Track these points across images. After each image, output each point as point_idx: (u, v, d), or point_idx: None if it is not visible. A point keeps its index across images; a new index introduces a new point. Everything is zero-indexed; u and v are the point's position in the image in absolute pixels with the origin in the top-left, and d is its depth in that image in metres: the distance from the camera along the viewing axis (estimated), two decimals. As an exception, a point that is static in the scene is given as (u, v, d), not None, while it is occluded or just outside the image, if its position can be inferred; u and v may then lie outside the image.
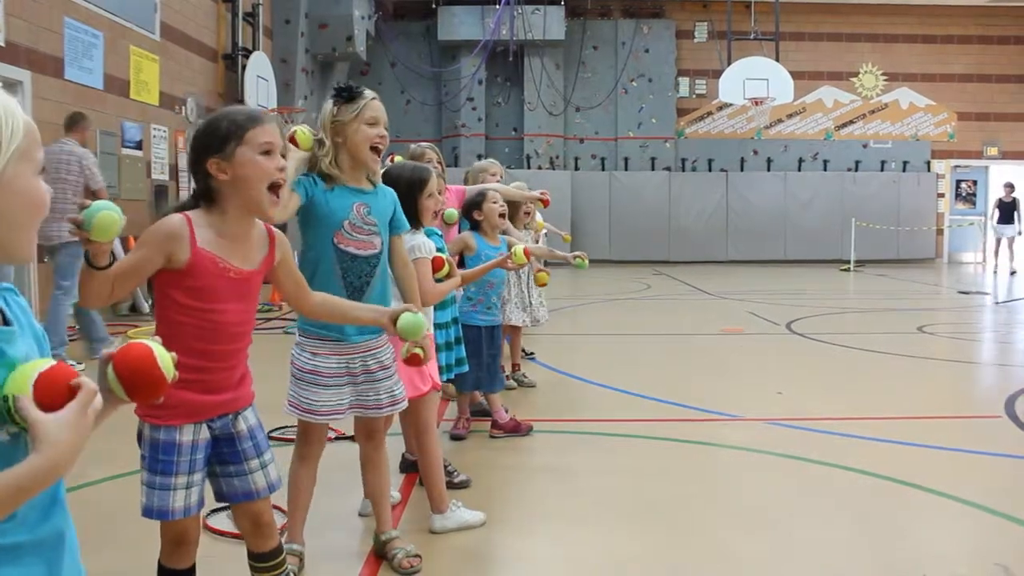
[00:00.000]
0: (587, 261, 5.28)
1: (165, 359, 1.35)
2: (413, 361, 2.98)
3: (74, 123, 7.43)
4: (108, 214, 1.89)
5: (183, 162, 11.75)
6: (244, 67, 13.97)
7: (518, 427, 4.89)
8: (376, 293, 2.96)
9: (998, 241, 17.76)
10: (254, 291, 2.29)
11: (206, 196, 2.22)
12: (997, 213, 17.69)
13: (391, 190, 3.14)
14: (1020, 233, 17.63)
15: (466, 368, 4.30)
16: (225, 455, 2.29)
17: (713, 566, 3.21)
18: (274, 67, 15.19)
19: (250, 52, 14.38)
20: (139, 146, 11.03)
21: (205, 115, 12.24)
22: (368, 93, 2.96)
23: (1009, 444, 4.78)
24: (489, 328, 4.68)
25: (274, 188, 2.21)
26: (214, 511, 3.42)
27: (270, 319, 9.55)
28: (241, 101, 13.82)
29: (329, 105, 2.96)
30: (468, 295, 4.60)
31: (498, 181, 5.58)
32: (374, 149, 2.94)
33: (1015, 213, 17.49)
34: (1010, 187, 17.70)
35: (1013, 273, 16.20)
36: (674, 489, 4.06)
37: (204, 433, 2.24)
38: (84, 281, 2.08)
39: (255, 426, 2.34)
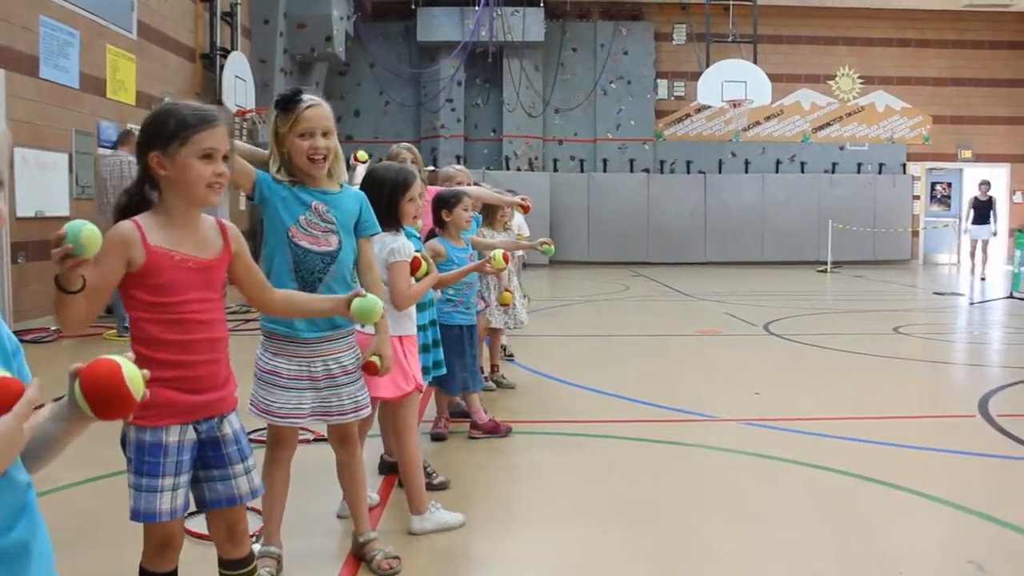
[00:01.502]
0: (553, 247, 5.26)
1: (134, 377, 1.30)
2: (369, 369, 2.97)
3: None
4: (93, 229, 1.86)
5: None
6: (222, 67, 13.89)
7: (497, 428, 4.90)
8: (327, 292, 2.89)
9: (973, 243, 17.21)
10: (217, 281, 2.28)
11: (149, 182, 2.22)
12: (972, 213, 17.09)
13: (360, 193, 3.11)
14: (995, 234, 17.16)
15: (443, 371, 4.29)
16: (210, 459, 2.28)
17: (691, 565, 3.23)
18: (252, 67, 15.11)
19: (228, 52, 14.30)
20: (115, 146, 10.94)
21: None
22: (304, 101, 2.84)
23: (983, 443, 4.83)
24: (469, 327, 4.68)
25: (212, 187, 2.20)
26: (191, 514, 3.40)
27: (248, 320, 9.49)
28: (219, 101, 13.76)
29: (274, 115, 2.91)
30: (448, 296, 4.60)
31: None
32: (311, 160, 2.85)
33: (991, 212, 16.94)
34: (986, 185, 17.25)
35: (983, 279, 16.08)
36: (652, 489, 4.08)
37: (190, 434, 2.23)
38: (60, 308, 2.04)
39: (239, 431, 2.33)
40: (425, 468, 3.81)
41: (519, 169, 20.02)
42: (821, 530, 3.55)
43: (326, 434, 3.25)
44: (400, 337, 3.40)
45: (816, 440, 4.85)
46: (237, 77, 14.16)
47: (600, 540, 3.45)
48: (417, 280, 3.44)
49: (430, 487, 3.77)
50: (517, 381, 6.35)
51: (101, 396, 1.28)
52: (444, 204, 4.48)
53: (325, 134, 2.86)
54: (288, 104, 2.86)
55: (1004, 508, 3.69)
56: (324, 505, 3.67)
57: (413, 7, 19.63)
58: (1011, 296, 12.29)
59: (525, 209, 5.58)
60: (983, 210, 16.85)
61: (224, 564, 2.42)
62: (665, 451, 4.72)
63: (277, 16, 16.12)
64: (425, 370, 4.03)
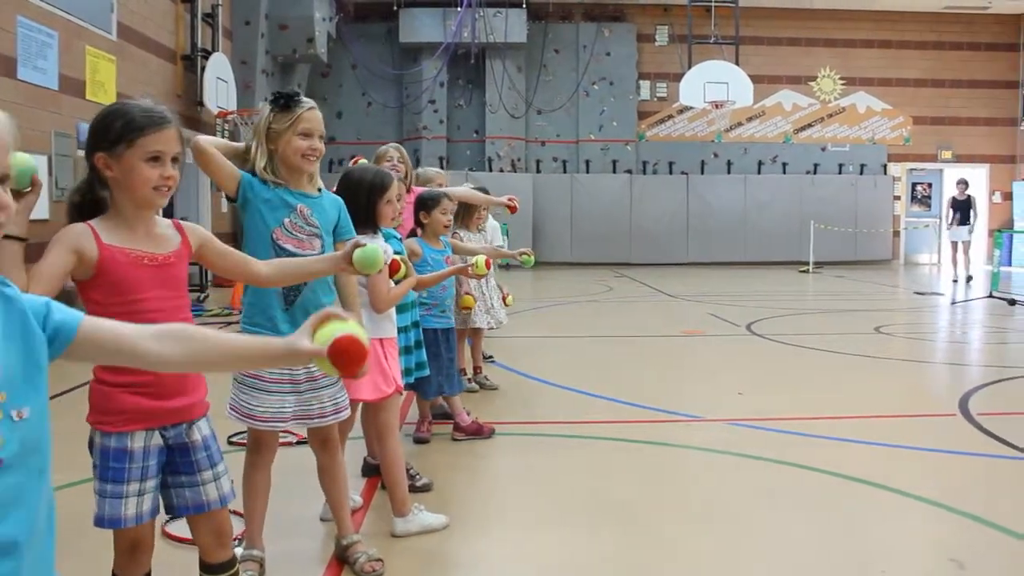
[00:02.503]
0: (533, 258, 5.24)
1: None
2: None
3: None
4: (21, 157, 1.85)
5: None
6: (203, 68, 13.83)
7: (480, 430, 4.89)
8: (308, 296, 2.89)
9: (954, 245, 16.71)
10: (177, 279, 2.24)
11: (99, 181, 2.18)
12: (951, 213, 16.60)
13: (337, 198, 3.11)
14: (971, 231, 16.54)
15: (427, 372, 4.28)
16: (178, 465, 2.26)
17: (675, 566, 3.23)
18: (234, 69, 15.05)
19: (209, 53, 14.24)
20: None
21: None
22: (305, 103, 2.92)
23: (963, 442, 4.86)
24: (444, 331, 4.67)
25: (158, 190, 2.16)
26: (173, 518, 3.38)
27: (230, 323, 9.45)
28: (200, 103, 13.69)
29: (266, 111, 2.93)
30: (423, 299, 4.59)
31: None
32: (305, 158, 2.91)
33: (970, 211, 16.37)
34: (964, 184, 16.74)
35: (970, 279, 15.60)
36: (636, 490, 4.08)
37: (156, 439, 2.21)
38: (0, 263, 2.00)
39: (209, 436, 2.31)
40: (408, 470, 3.80)
41: (502, 170, 20.02)
42: (804, 529, 3.56)
43: (307, 437, 3.23)
44: (380, 340, 3.39)
45: (799, 440, 4.87)
46: (218, 79, 14.10)
47: (583, 541, 3.45)
48: (396, 283, 3.43)
49: (413, 489, 3.76)
50: (500, 382, 6.34)
51: (350, 365, 1.52)
52: (423, 206, 4.48)
53: (320, 137, 2.94)
54: (289, 103, 2.90)
55: (984, 506, 3.72)
56: (307, 508, 3.65)
57: (395, 8, 19.61)
58: (991, 296, 12.38)
59: (512, 209, 5.57)
60: (962, 209, 16.43)
61: (207, 568, 2.41)
62: (648, 452, 4.72)
63: (258, 17, 16.07)
64: (407, 371, 4.02)
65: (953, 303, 12.34)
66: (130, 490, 2.17)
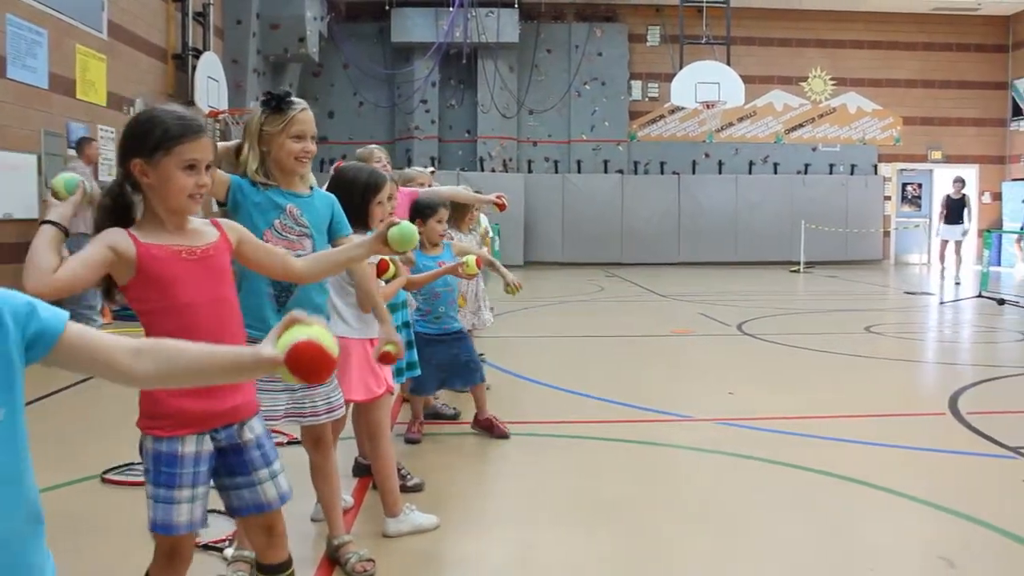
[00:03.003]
0: (519, 291, 5.25)
1: (331, 343, 1.46)
2: (386, 359, 2.98)
3: (83, 146, 9.54)
4: (66, 176, 2.37)
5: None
6: (194, 68, 13.79)
7: (491, 427, 4.90)
8: (301, 296, 2.88)
9: (943, 244, 16.72)
10: (219, 271, 2.24)
11: (132, 187, 2.20)
12: (944, 212, 16.39)
13: (330, 196, 3.10)
14: (966, 233, 16.45)
15: (417, 372, 4.29)
16: (233, 466, 2.25)
17: (667, 565, 3.24)
18: (225, 68, 15.01)
19: (200, 52, 14.20)
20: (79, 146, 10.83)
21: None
22: (297, 104, 2.90)
23: (952, 441, 4.89)
24: (438, 335, 4.69)
25: (193, 197, 2.20)
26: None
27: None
28: (191, 102, 13.65)
29: (258, 112, 2.91)
30: (417, 306, 4.61)
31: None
32: (298, 160, 2.90)
33: (964, 211, 16.16)
34: (960, 183, 16.49)
35: (958, 284, 15.30)
36: (627, 489, 4.09)
37: (207, 445, 2.20)
38: (35, 243, 2.14)
39: (262, 435, 2.31)
40: (400, 470, 3.80)
41: (493, 170, 20.02)
42: (794, 528, 3.57)
43: (300, 437, 3.23)
44: (370, 340, 3.39)
45: (789, 439, 4.88)
46: (209, 78, 14.06)
47: (575, 541, 3.46)
48: (385, 283, 3.43)
49: (404, 489, 3.76)
50: (491, 382, 6.33)
51: (311, 373, 1.44)
52: (419, 214, 4.49)
53: (313, 138, 2.93)
54: (280, 104, 2.88)
55: (973, 504, 3.74)
56: (298, 508, 3.64)
57: (387, 8, 19.58)
58: (980, 295, 12.44)
59: (501, 207, 5.57)
60: (956, 209, 16.22)
61: (264, 569, 2.41)
62: (640, 451, 4.73)
63: (250, 17, 16.03)
64: (398, 371, 4.02)
65: (941, 303, 12.39)
66: (182, 496, 2.15)
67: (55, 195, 2.37)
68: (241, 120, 14.95)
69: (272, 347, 1.44)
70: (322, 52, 18.28)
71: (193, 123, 2.19)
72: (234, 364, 1.53)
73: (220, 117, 14.33)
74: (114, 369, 1.42)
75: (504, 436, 4.90)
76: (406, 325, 4.15)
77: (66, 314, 1.39)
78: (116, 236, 2.13)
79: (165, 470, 2.15)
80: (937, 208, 17.36)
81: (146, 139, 2.16)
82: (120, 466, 4.18)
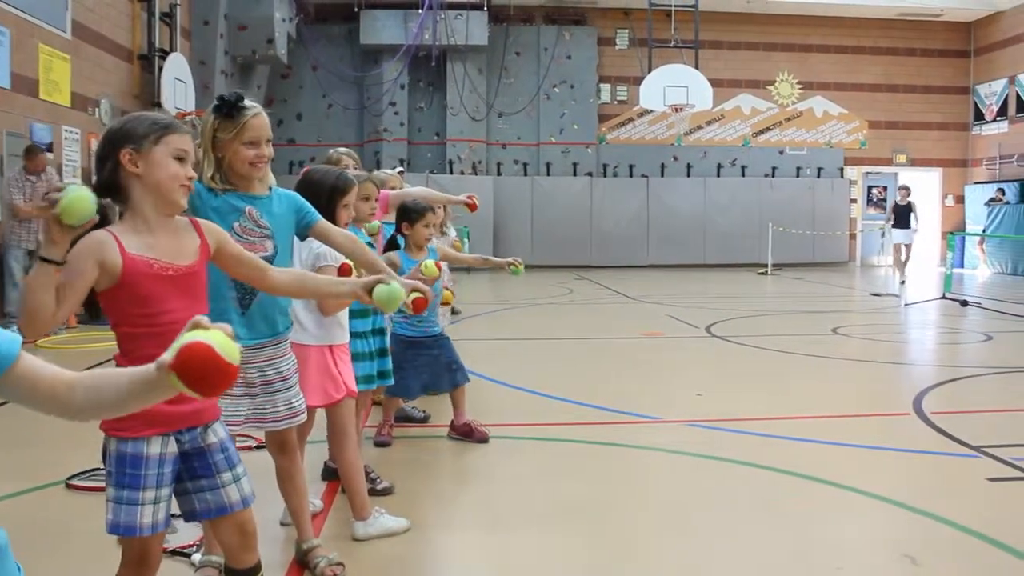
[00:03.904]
0: (522, 269, 5.25)
1: (228, 348, 1.28)
2: (419, 305, 2.95)
3: (31, 154, 9.28)
4: (79, 194, 1.94)
5: (96, 165, 11.42)
6: (161, 68, 13.67)
7: (471, 432, 4.88)
8: (265, 299, 2.83)
9: (896, 247, 17.00)
10: (198, 288, 2.24)
11: (111, 188, 2.17)
12: (893, 217, 16.77)
13: (291, 193, 3.06)
14: (916, 231, 16.75)
15: (390, 381, 4.28)
16: (196, 469, 2.24)
17: (636, 567, 3.25)
18: (192, 69, 14.89)
19: (167, 53, 14.08)
20: (49, 148, 10.71)
21: (120, 116, 11.96)
22: (249, 109, 2.82)
23: (917, 440, 4.94)
24: (420, 337, 4.72)
25: (183, 188, 2.21)
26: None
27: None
28: (158, 103, 13.52)
29: (210, 119, 2.84)
30: (401, 309, 4.58)
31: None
32: (253, 166, 2.84)
33: (911, 216, 16.64)
34: (905, 190, 17.05)
35: (903, 283, 15.84)
36: (597, 491, 4.10)
37: (172, 447, 2.19)
38: (30, 288, 2.02)
39: (225, 439, 2.30)
40: (368, 473, 3.79)
41: (463, 173, 20.01)
42: (762, 528, 3.60)
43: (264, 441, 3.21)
44: (330, 346, 3.38)
45: (757, 440, 4.92)
46: (176, 79, 13.94)
47: (544, 543, 3.46)
48: None
49: (373, 493, 3.75)
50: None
51: (201, 379, 1.26)
52: (406, 217, 4.51)
53: (268, 141, 2.87)
54: (231, 110, 2.80)
55: (937, 503, 3.78)
56: (267, 512, 3.62)
57: (356, 9, 19.53)
58: (944, 297, 12.60)
59: (472, 207, 5.58)
60: (903, 214, 16.73)
61: (233, 573, 2.38)
62: (609, 453, 4.75)
63: (217, 17, 15.92)
64: (369, 379, 4.00)
65: (906, 305, 12.54)
66: (146, 497, 2.14)
67: (63, 220, 1.98)
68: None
69: (169, 354, 1.29)
70: (291, 54, 18.20)
71: (177, 122, 2.25)
72: (144, 383, 1.35)
73: (187, 119, 14.21)
74: (54, 404, 1.34)
75: (484, 440, 4.87)
76: (380, 332, 4.13)
77: (19, 339, 1.35)
78: (102, 248, 2.09)
79: (130, 471, 2.13)
80: (887, 213, 17.66)
81: (135, 130, 2.17)
82: (85, 472, 4.13)
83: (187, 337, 1.28)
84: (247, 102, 2.85)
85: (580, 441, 4.98)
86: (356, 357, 3.82)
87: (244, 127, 2.79)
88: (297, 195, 3.05)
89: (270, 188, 2.95)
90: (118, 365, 2.10)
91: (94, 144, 11.77)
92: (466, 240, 14.94)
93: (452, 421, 4.96)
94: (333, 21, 20.10)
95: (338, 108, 20.24)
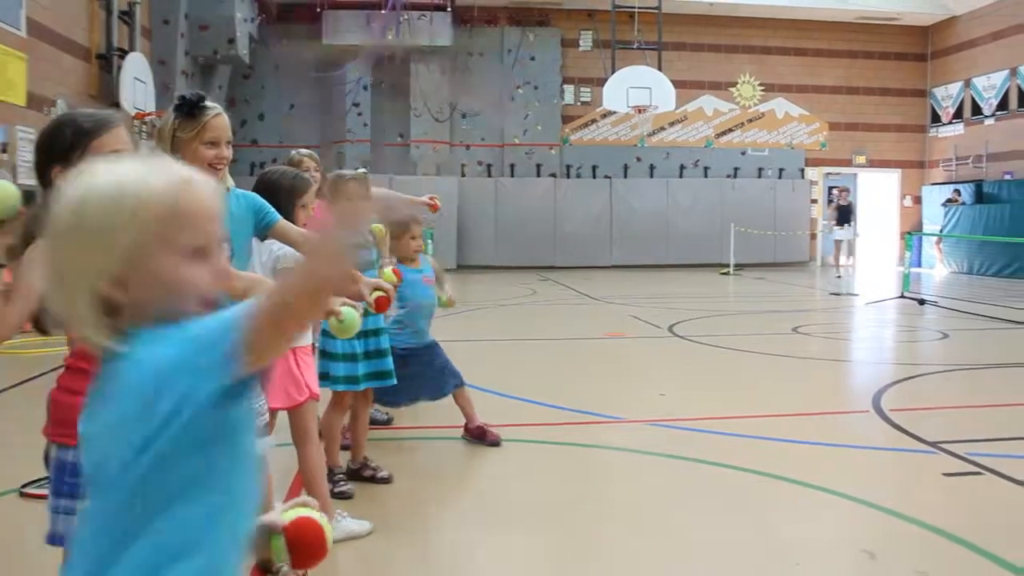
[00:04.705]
0: (454, 303, 5.24)
1: (331, 532, 1.42)
2: (381, 304, 2.94)
3: None
4: (4, 188, 1.89)
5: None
6: (120, 68, 13.49)
7: (484, 435, 4.85)
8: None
9: (837, 244, 18.55)
10: None
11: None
12: (835, 216, 18.34)
13: (251, 195, 3.04)
14: (857, 235, 18.60)
15: (391, 381, 4.26)
16: None
17: (599, 566, 3.26)
18: (152, 69, 14.71)
19: (126, 53, 13.90)
20: (3, 149, 10.53)
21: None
22: (211, 109, 2.79)
23: (876, 437, 5.01)
24: (415, 347, 4.72)
25: None
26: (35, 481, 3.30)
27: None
28: (117, 104, 13.36)
29: (170, 118, 2.80)
30: (397, 319, 4.62)
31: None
32: (212, 167, 2.79)
33: (851, 216, 18.26)
34: (846, 192, 18.64)
35: (839, 277, 17.18)
36: (561, 491, 4.11)
37: None
38: None
39: None
40: (332, 476, 3.76)
41: (426, 174, 19.96)
42: (724, 526, 3.63)
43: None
44: (292, 348, 3.36)
45: (719, 439, 4.96)
46: (136, 79, 13.77)
47: (509, 544, 3.46)
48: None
49: (336, 495, 3.73)
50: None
51: (307, 554, 1.39)
52: (391, 235, 4.57)
53: (228, 143, 2.83)
54: (192, 110, 2.76)
55: (894, 498, 3.84)
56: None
57: (319, 10, 19.40)
58: (902, 296, 12.78)
59: (433, 208, 5.58)
60: (844, 214, 18.16)
61: None
62: (573, 453, 4.76)
63: (178, 17, 15.76)
64: (352, 379, 4.00)
65: (866, 304, 12.71)
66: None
67: None
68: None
69: (276, 515, 1.39)
70: (253, 54, 18.06)
71: (104, 116, 2.12)
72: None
73: (147, 119, 14.05)
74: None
75: (496, 443, 4.83)
76: (376, 332, 4.11)
77: None
78: None
79: (69, 480, 2.08)
80: (830, 213, 19.27)
81: (59, 142, 2.07)
82: (41, 479, 4.06)
83: (300, 512, 1.40)
84: (208, 102, 2.81)
85: (544, 442, 4.99)
86: (338, 357, 3.82)
87: (205, 127, 2.75)
88: (256, 195, 3.03)
89: (228, 188, 2.92)
90: (69, 365, 2.08)
91: (51, 144, 11.58)
92: (430, 242, 14.91)
93: (465, 424, 4.92)
94: (296, 21, 19.95)
95: (300, 109, 20.10)
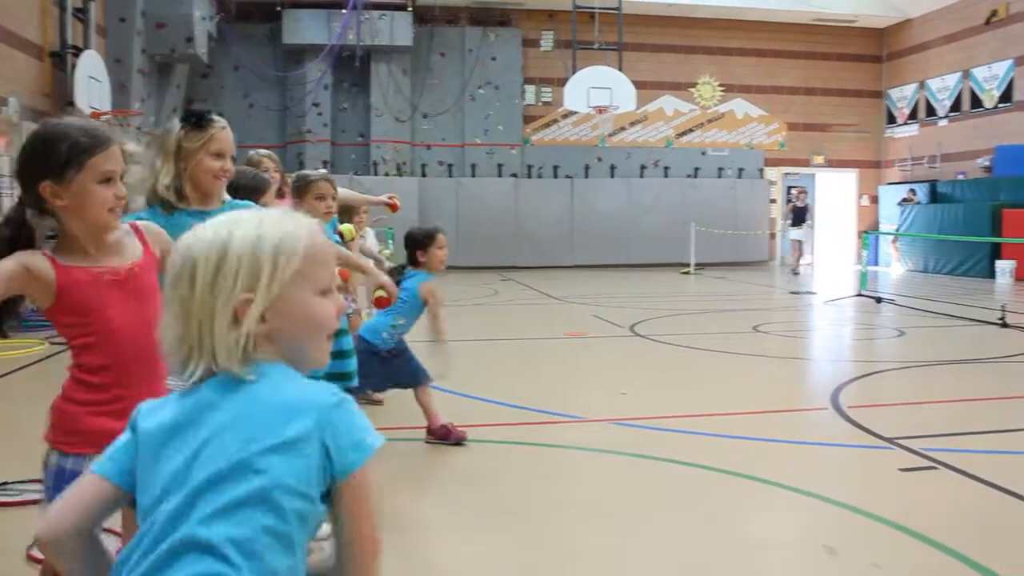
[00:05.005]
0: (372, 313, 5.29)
1: None
2: (381, 303, 2.94)
3: None
4: None
5: (4, 166, 11.06)
6: (74, 66, 13.27)
7: (448, 434, 4.83)
8: None
9: (793, 243, 19.33)
10: (147, 291, 2.13)
11: (39, 209, 2.06)
12: (791, 216, 19.15)
13: (244, 204, 3.03)
14: (806, 233, 19.36)
15: (352, 382, 4.27)
16: None
17: (561, 566, 3.26)
18: (108, 67, 14.48)
19: (81, 51, 13.68)
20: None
21: (31, 117, 11.57)
22: (218, 123, 2.86)
23: (834, 434, 5.07)
24: (393, 349, 4.83)
25: (113, 211, 2.09)
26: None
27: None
28: (71, 103, 13.14)
29: (176, 128, 2.83)
30: (395, 324, 4.68)
31: None
32: (216, 179, 2.85)
33: (805, 215, 19.07)
34: (804, 193, 19.45)
35: (796, 273, 18.17)
36: (524, 491, 4.11)
37: None
38: None
39: None
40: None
41: (387, 174, 19.90)
42: (685, 523, 3.65)
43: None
44: None
45: (680, 437, 4.98)
46: (91, 78, 13.54)
47: (472, 544, 3.45)
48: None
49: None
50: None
51: None
52: (418, 245, 4.83)
53: (232, 157, 2.91)
54: (201, 121, 2.82)
55: (852, 494, 3.88)
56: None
57: (278, 9, 19.26)
58: (860, 294, 12.95)
59: (393, 208, 5.58)
60: (800, 214, 19.00)
61: None
62: (536, 453, 4.76)
63: (134, 14, 15.53)
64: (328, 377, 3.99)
65: (825, 303, 12.86)
66: None
67: None
68: (126, 122, 14.47)
69: None
70: (211, 53, 17.87)
71: (101, 133, 2.07)
72: None
73: (103, 119, 13.84)
74: None
75: (461, 441, 4.82)
76: (341, 332, 4.09)
77: None
78: (32, 256, 2.01)
79: (66, 486, 2.06)
80: (785, 212, 20.38)
81: (54, 158, 2.00)
82: (4, 484, 3.98)
83: None
84: (215, 116, 2.90)
85: (505, 442, 4.99)
86: None
87: (212, 139, 2.82)
88: (250, 205, 3.02)
89: (223, 201, 2.93)
90: (72, 377, 2.10)
91: (2, 144, 11.39)
92: (390, 241, 14.87)
93: (428, 426, 4.89)
94: (255, 20, 19.79)
95: (260, 109, 19.94)
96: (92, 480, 1.35)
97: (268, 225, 1.32)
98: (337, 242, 3.75)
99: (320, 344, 1.37)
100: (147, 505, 1.28)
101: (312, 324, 1.35)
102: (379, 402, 5.49)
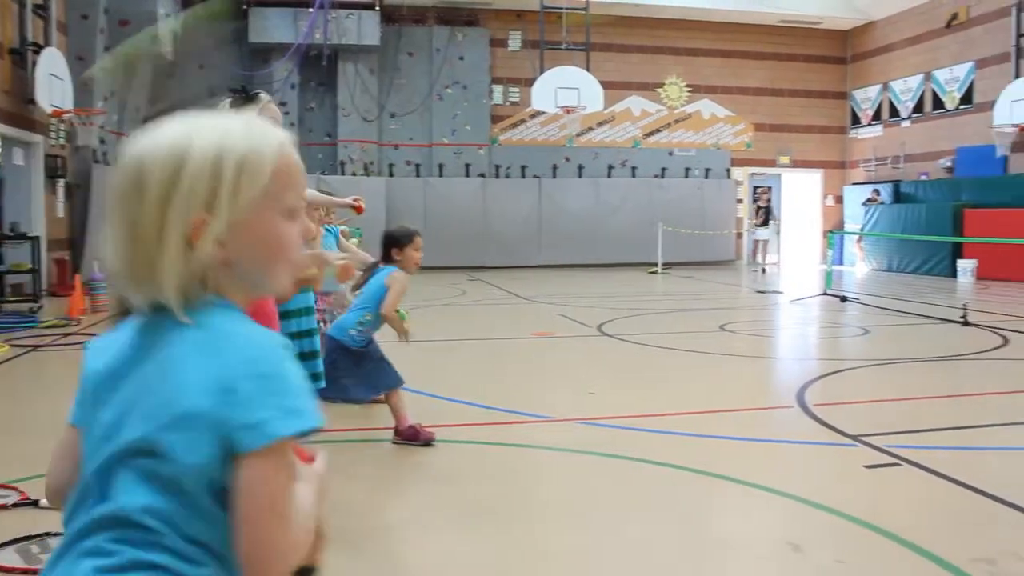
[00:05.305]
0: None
1: None
2: (347, 272, 2.94)
3: None
4: None
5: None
6: (35, 64, 13.08)
7: (416, 435, 4.80)
8: None
9: (755, 243, 20.24)
10: None
11: None
12: (756, 216, 20.13)
13: None
14: (778, 233, 20.18)
15: (320, 383, 4.20)
16: None
17: (531, 566, 3.26)
18: (70, 65, 14.28)
19: (41, 48, 13.48)
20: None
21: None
22: (265, 96, 2.89)
23: (800, 432, 5.11)
24: (364, 347, 4.86)
25: None
26: (2, 545, 3.19)
27: (68, 334, 8.99)
28: (32, 101, 12.96)
29: (225, 103, 2.85)
30: (362, 321, 4.66)
31: None
32: None
33: (769, 216, 19.95)
34: (768, 194, 20.41)
35: (764, 271, 18.85)
36: (493, 492, 4.09)
37: None
38: None
39: None
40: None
41: (355, 174, 19.80)
42: (653, 522, 3.65)
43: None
44: None
45: (648, 436, 5.00)
46: (52, 75, 13.35)
47: (442, 545, 3.43)
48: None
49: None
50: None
51: None
52: (396, 243, 4.88)
53: None
54: (249, 97, 2.96)
55: (818, 491, 3.91)
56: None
57: (244, 7, 19.09)
58: (825, 293, 13.08)
59: (358, 210, 5.54)
60: (765, 215, 20.00)
61: None
62: (504, 453, 4.75)
63: (97, 11, 15.34)
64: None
65: (791, 301, 12.97)
66: None
67: None
68: (88, 120, 14.28)
69: None
70: (176, 51, 17.65)
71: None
72: None
73: (65, 117, 13.65)
74: None
75: (430, 441, 4.78)
76: (306, 334, 4.04)
77: None
78: None
79: None
80: (751, 212, 21.32)
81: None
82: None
83: None
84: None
85: (473, 442, 4.98)
86: None
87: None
88: None
89: None
90: None
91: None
92: (359, 239, 14.78)
93: (396, 427, 4.84)
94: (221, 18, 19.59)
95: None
96: (68, 430, 1.26)
97: (233, 136, 1.17)
98: (334, 247, 3.72)
99: (282, 271, 1.23)
100: (87, 453, 1.17)
101: (275, 250, 1.20)
102: (382, 401, 5.40)
